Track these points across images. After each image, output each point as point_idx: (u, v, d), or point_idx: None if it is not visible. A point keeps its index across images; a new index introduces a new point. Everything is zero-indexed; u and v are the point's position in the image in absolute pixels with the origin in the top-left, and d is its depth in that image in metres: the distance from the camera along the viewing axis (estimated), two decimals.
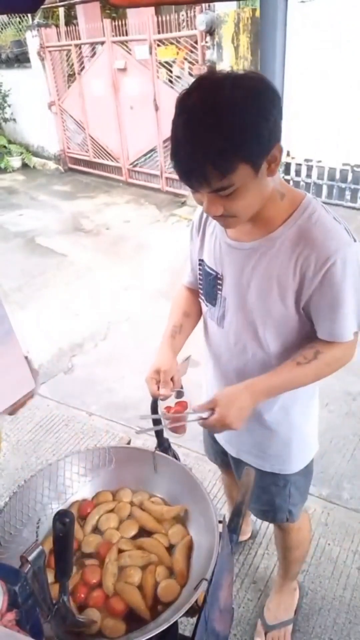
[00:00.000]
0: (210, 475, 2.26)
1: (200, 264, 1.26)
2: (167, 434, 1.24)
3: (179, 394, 1.23)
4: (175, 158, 0.92)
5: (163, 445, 1.27)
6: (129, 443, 1.46)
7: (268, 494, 1.39)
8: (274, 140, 0.91)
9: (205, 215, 1.21)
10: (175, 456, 1.29)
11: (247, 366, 1.21)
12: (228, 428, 1.08)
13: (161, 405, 1.21)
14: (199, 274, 1.27)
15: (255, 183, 0.94)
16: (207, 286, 1.24)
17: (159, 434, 1.26)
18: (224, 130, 0.85)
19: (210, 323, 1.29)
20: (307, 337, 1.13)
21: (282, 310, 1.10)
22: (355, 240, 1.02)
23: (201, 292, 1.29)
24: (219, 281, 1.20)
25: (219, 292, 1.20)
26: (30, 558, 0.82)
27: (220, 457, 1.57)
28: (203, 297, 1.28)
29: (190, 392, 1.27)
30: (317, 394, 1.34)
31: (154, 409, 1.22)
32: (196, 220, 1.27)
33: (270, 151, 0.91)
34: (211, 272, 1.21)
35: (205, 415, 1.10)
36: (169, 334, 1.32)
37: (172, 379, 1.21)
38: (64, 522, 0.86)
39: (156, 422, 1.23)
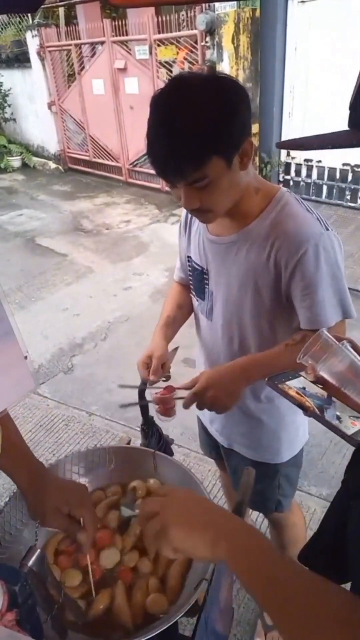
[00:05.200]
0: (210, 475, 2.26)
1: (188, 261, 1.31)
2: (157, 418, 1.31)
3: (167, 378, 1.30)
4: (152, 154, 0.97)
5: (148, 422, 1.35)
6: (129, 443, 1.46)
7: (258, 484, 1.40)
8: (244, 135, 0.96)
9: (189, 214, 1.25)
10: (160, 432, 1.36)
11: (236, 358, 1.22)
12: (209, 402, 1.11)
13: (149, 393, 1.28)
14: (189, 270, 1.32)
15: (228, 176, 0.98)
16: (195, 281, 1.29)
17: (144, 411, 1.33)
18: (197, 125, 0.90)
19: (201, 317, 1.34)
20: (296, 329, 1.14)
21: (263, 302, 1.12)
22: (327, 229, 1.04)
23: (192, 287, 1.33)
24: (205, 276, 1.24)
25: (206, 286, 1.25)
26: (29, 564, 0.83)
27: (215, 450, 1.59)
28: (193, 292, 1.33)
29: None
30: None
31: (142, 392, 1.29)
32: (182, 220, 1.33)
33: (241, 146, 0.96)
34: (198, 267, 1.26)
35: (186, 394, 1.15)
36: (162, 323, 1.39)
37: (162, 366, 1.27)
38: None
39: (141, 399, 1.31)
